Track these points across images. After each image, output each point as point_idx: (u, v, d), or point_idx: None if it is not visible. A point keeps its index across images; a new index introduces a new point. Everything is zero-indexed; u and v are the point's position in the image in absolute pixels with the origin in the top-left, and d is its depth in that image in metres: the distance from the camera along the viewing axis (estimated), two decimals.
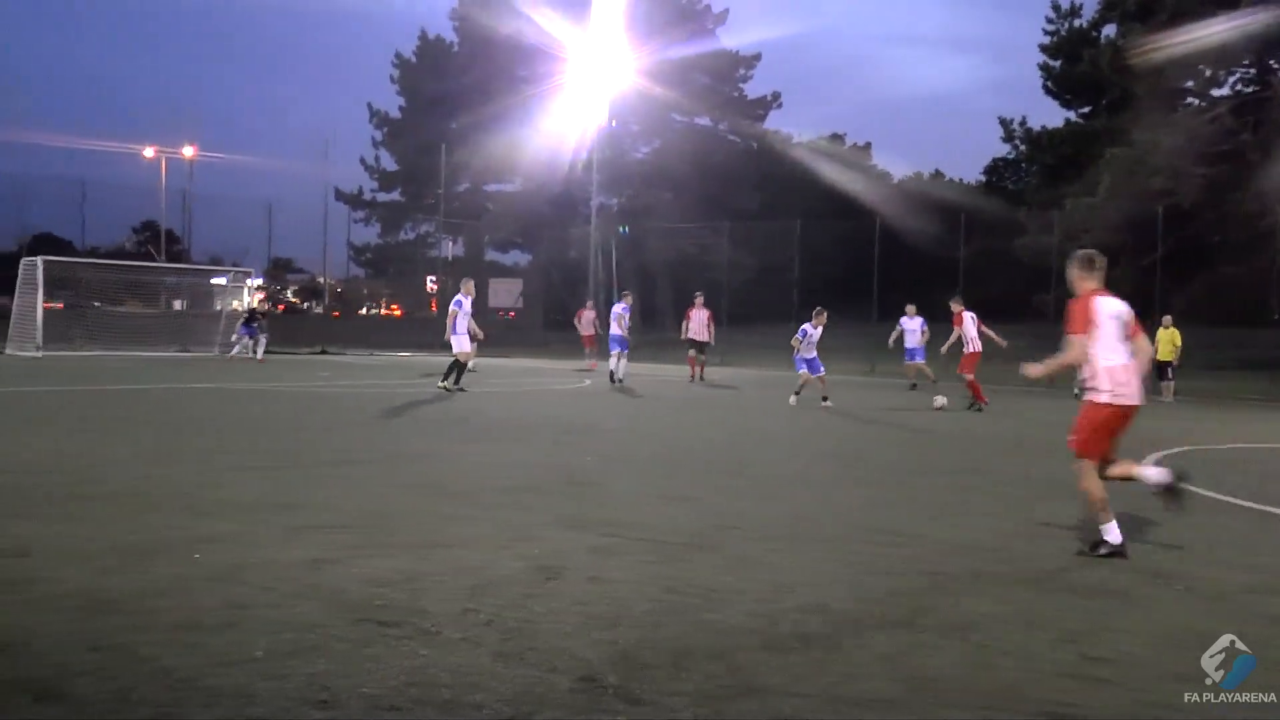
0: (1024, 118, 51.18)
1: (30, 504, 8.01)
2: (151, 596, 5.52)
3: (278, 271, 63.57)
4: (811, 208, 50.94)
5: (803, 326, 20.81)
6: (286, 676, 4.40)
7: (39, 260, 33.82)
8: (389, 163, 66.34)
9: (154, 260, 49.69)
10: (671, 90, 52.98)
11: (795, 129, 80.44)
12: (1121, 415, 7.40)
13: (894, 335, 24.78)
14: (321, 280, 58.71)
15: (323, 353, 38.83)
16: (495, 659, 4.69)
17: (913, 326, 24.49)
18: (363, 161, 66.57)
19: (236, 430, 13.44)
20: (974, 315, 21.23)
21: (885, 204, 49.65)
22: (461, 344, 21.27)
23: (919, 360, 24.49)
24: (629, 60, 47.37)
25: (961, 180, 74.10)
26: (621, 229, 55.57)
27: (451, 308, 21.74)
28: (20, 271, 34.30)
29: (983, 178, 70.28)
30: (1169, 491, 7.36)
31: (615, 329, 26.09)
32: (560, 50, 47.89)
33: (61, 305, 36.55)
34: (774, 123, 66.90)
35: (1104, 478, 7.41)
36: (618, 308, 26.76)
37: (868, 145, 76.99)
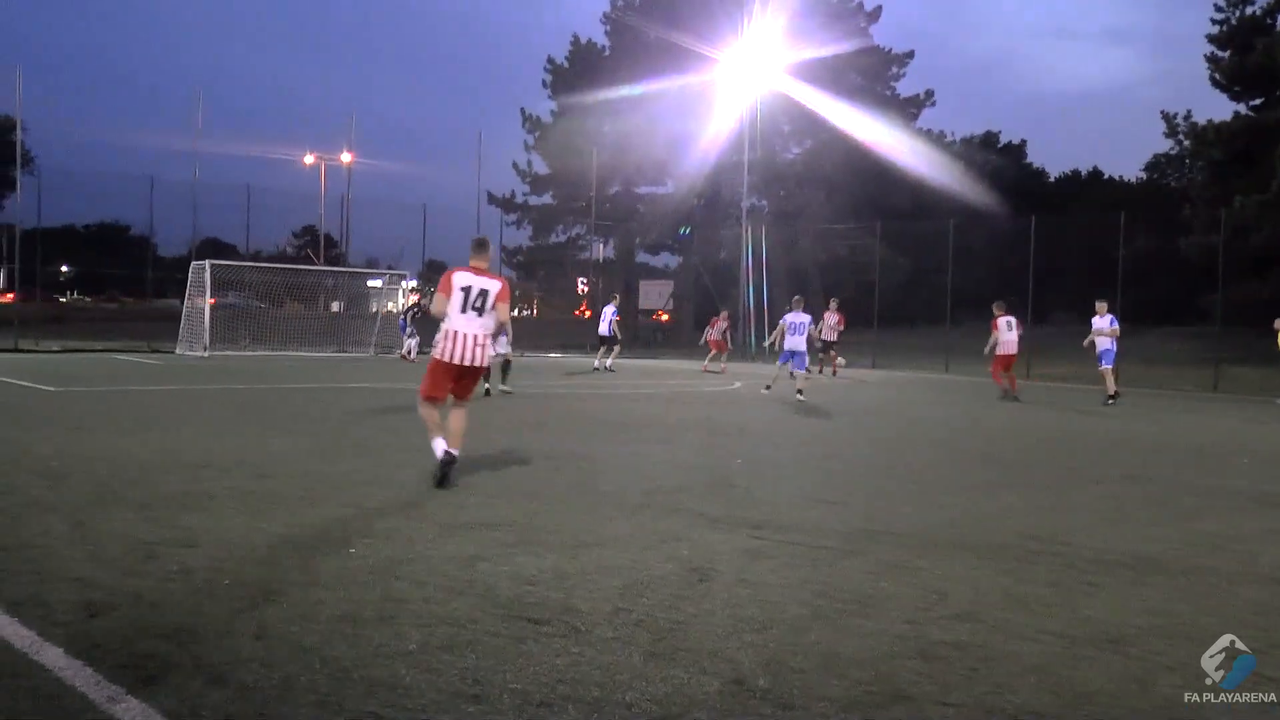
0: (1189, 111, 49.35)
1: (196, 497, 8.35)
2: (313, 588, 5.70)
3: (432, 274, 64.91)
4: (965, 208, 50.03)
5: (785, 316, 21.63)
6: (440, 670, 4.50)
7: (207, 264, 35.11)
8: (540, 166, 67.06)
9: (313, 263, 51.17)
10: (823, 89, 52.52)
11: (949, 127, 79.20)
12: None
13: (1087, 339, 22.73)
14: None
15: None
16: (646, 659, 4.73)
17: (1102, 325, 22.42)
18: (515, 165, 67.49)
19: (387, 431, 13.73)
20: (1011, 320, 22.93)
21: (1041, 202, 48.44)
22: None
23: (1109, 365, 22.57)
24: (780, 60, 47.11)
25: (1121, 178, 71.98)
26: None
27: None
28: (190, 274, 35.68)
29: (1143, 175, 68.14)
30: None
31: (604, 328, 29.48)
32: (712, 51, 47.88)
33: (214, 300, 37.92)
34: (926, 121, 65.95)
35: None
36: (609, 309, 30.17)
37: (1022, 143, 75.27)
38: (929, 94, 63.97)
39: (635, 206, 62.46)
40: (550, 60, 66.89)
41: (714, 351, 33.44)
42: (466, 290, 9.52)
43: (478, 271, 9.69)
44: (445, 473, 9.23)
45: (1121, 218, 35.42)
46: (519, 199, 66.79)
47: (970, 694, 4.47)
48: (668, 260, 70.48)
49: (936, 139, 63.33)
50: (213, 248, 47.21)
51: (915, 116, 63.83)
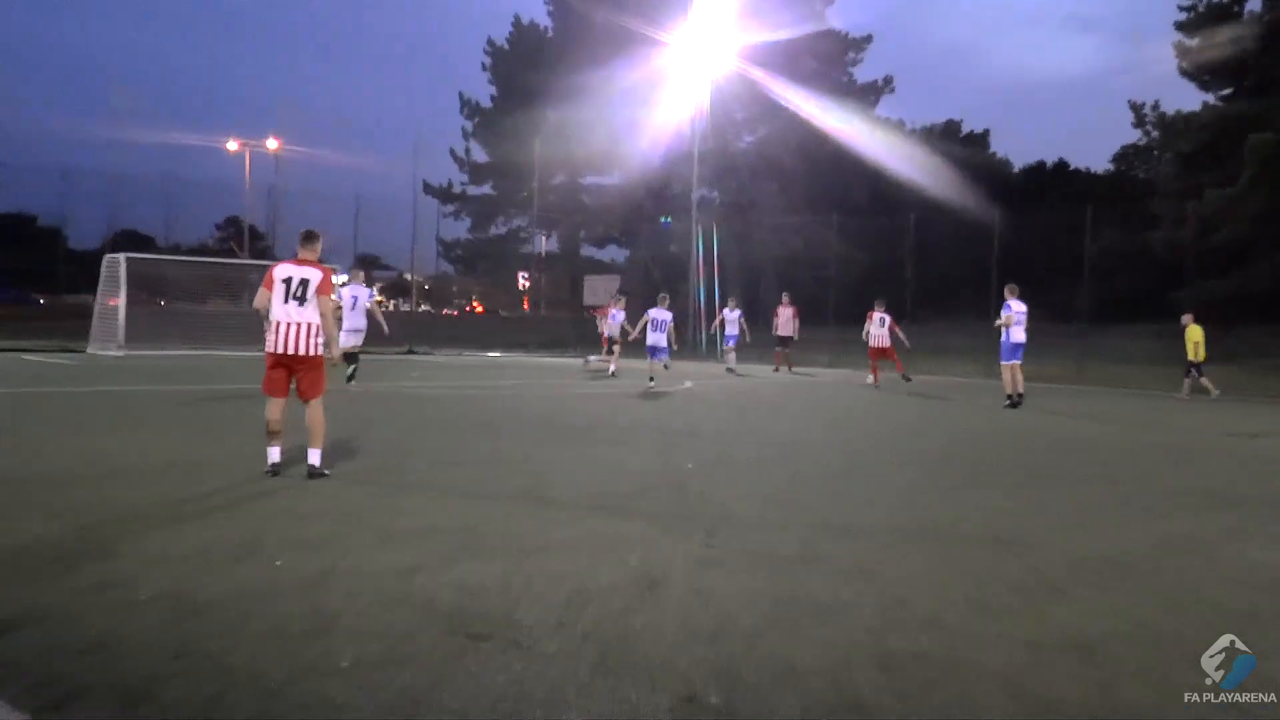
0: (1156, 102, 50.15)
1: (112, 505, 8.24)
2: (239, 602, 5.66)
3: (364, 268, 64.62)
4: (926, 200, 50.43)
5: (649, 311, 24.20)
6: (374, 688, 4.48)
7: (121, 257, 34.65)
8: (480, 155, 66.95)
9: (237, 256, 50.72)
10: (778, 75, 52.77)
11: (908, 116, 79.76)
12: None
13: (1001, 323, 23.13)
14: (409, 277, 59.44)
15: (410, 352, 39.33)
16: (593, 674, 4.73)
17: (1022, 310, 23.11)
18: (453, 153, 67.30)
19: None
20: (885, 317, 26.81)
21: (1005, 196, 48.91)
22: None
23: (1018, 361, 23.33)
24: (732, 44, 47.24)
25: (1088, 170, 72.81)
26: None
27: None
28: (103, 268, 35.18)
29: (1111, 166, 68.96)
30: None
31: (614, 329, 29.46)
32: (661, 34, 47.94)
33: (150, 303, 37.43)
34: (885, 109, 66.42)
35: None
36: (618, 311, 30.55)
37: (985, 133, 76.01)
38: (888, 81, 64.56)
39: (580, 198, 62.51)
40: (490, 42, 66.80)
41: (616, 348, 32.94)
42: (287, 281, 10.06)
43: (301, 263, 10.22)
44: (276, 473, 9.82)
45: (1089, 211, 35.86)
46: (458, 189, 66.58)
47: (932, 705, 4.51)
48: (614, 254, 70.53)
49: (896, 128, 63.86)
50: (130, 240, 46.66)
51: (874, 104, 64.36)
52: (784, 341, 32.59)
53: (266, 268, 10.75)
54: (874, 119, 63.12)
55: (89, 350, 33.26)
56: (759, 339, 34.65)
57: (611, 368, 28.55)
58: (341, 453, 10.92)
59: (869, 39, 63.48)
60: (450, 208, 65.68)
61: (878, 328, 26.89)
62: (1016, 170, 72.54)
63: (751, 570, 6.72)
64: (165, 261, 38.75)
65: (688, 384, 25.71)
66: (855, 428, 16.96)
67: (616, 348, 29.43)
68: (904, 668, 4.95)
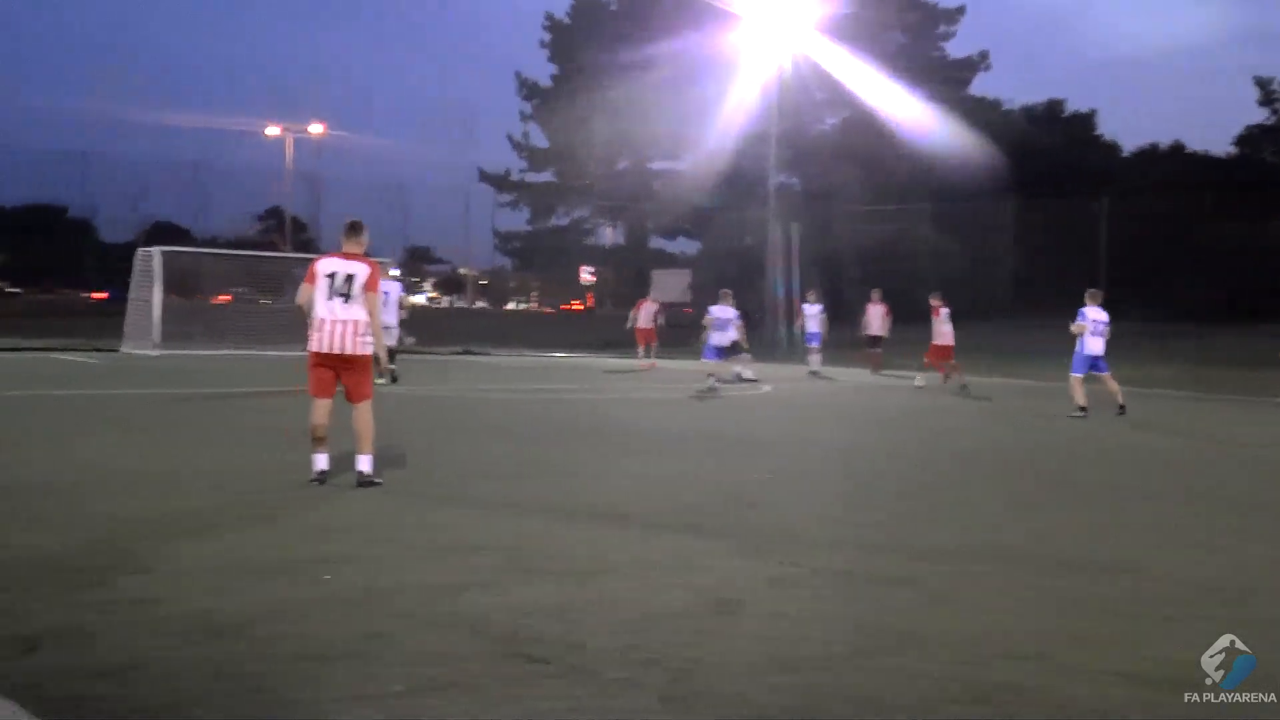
0: None
1: (144, 516, 8.36)
2: (277, 621, 5.71)
3: (415, 262, 64.93)
4: (1025, 187, 49.90)
5: (711, 309, 24.11)
6: (423, 715, 4.50)
7: (156, 251, 35.03)
8: (539, 139, 67.08)
9: (278, 249, 51.17)
10: (862, 51, 52.42)
11: (1006, 94, 78.99)
12: None
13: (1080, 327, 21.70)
14: (464, 271, 59.69)
15: (466, 353, 39.49)
16: (661, 703, 4.72)
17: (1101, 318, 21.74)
18: (510, 138, 67.52)
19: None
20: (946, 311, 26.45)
21: (1113, 181, 48.32)
22: None
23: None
24: (811, 17, 46.96)
25: (1207, 153, 71.75)
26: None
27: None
28: (136, 263, 35.59)
29: (1233, 149, 67.86)
30: None
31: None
32: (734, 6, 47.78)
33: (186, 299, 37.91)
34: (981, 87, 65.85)
35: None
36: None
37: (1091, 113, 75.12)
38: (983, 56, 64.01)
39: (648, 185, 62.36)
40: (549, 17, 66.87)
41: (643, 344, 32.77)
42: (331, 276, 10.06)
43: (346, 256, 10.23)
44: (322, 481, 9.95)
45: (1207, 198, 35.32)
46: (515, 176, 66.66)
47: None
48: (685, 246, 70.35)
49: (992, 107, 63.23)
50: (163, 232, 47.23)
51: (967, 82, 63.81)
52: (874, 341, 32.12)
53: (309, 261, 10.81)
54: (967, 98, 62.62)
55: (123, 349, 33.69)
56: (840, 338, 34.41)
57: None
58: (389, 461, 10.98)
59: (961, 10, 63.03)
60: (507, 196, 65.91)
61: (945, 324, 26.58)
62: (1126, 153, 71.54)
63: (831, 593, 6.69)
64: (202, 255, 39.11)
65: (765, 388, 25.63)
66: (944, 441, 16.83)
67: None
68: (999, 701, 4.89)
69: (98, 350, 33.47)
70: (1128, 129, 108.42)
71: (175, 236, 49.05)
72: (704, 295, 58.56)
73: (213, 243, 50.59)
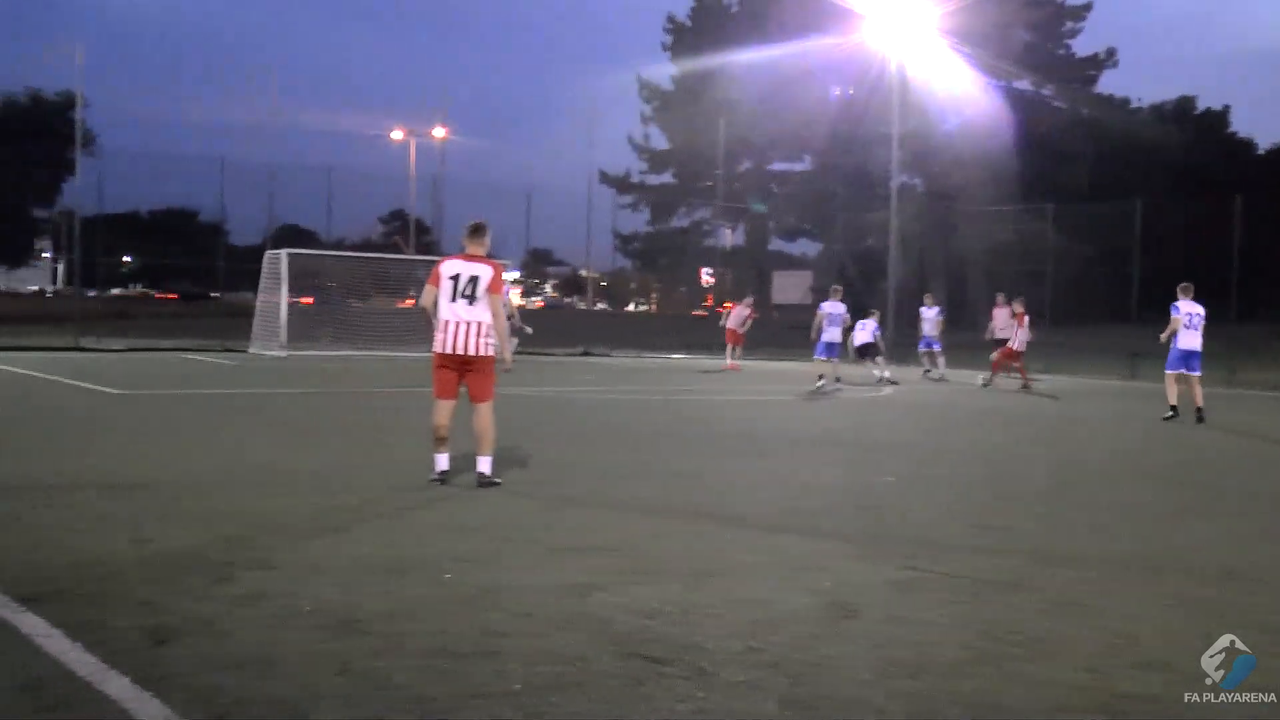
0: None
1: (273, 513, 8.55)
2: (401, 618, 5.79)
3: (536, 264, 65.46)
4: (1155, 186, 48.88)
5: (822, 305, 24.66)
6: (547, 714, 4.53)
7: (283, 253, 35.69)
8: (660, 141, 67.16)
9: (402, 252, 51.82)
10: (984, 50, 51.76)
11: (1134, 92, 77.44)
12: None
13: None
14: (584, 273, 59.96)
15: (585, 354, 39.68)
16: (781, 706, 4.70)
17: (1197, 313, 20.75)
18: (630, 140, 67.69)
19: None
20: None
21: (1247, 181, 47.08)
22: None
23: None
24: (935, 15, 46.46)
25: None
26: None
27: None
28: (264, 265, 36.31)
29: None
30: None
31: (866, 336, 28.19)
32: (855, 5, 47.44)
33: (310, 300, 38.58)
34: (1108, 85, 64.64)
35: None
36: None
37: (1224, 110, 73.40)
38: (1110, 53, 62.74)
39: (768, 186, 62.16)
40: (671, 19, 66.92)
41: (731, 344, 32.69)
42: (455, 278, 10.14)
43: (469, 258, 10.29)
44: (443, 481, 10.07)
45: None
46: (635, 178, 66.80)
47: None
48: (806, 248, 69.97)
49: (1120, 106, 62.03)
50: (291, 235, 48.07)
51: (1094, 80, 62.65)
52: (1001, 345, 31.59)
53: (432, 263, 10.94)
54: (1094, 96, 61.53)
55: (251, 350, 34.39)
56: (962, 340, 33.99)
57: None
58: (508, 461, 11.08)
59: (1088, 7, 61.81)
60: (628, 198, 66.07)
61: (1022, 328, 27.00)
62: (1262, 151, 69.75)
63: (954, 598, 6.60)
64: (327, 257, 39.75)
65: (887, 390, 25.44)
66: (1066, 444, 16.57)
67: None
68: (1125, 712, 4.79)
69: (228, 350, 34.23)
70: (1263, 126, 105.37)
71: (303, 239, 49.97)
72: (824, 298, 58.41)
73: (338, 245, 51.37)
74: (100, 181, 41.27)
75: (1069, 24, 61.65)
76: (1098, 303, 42.09)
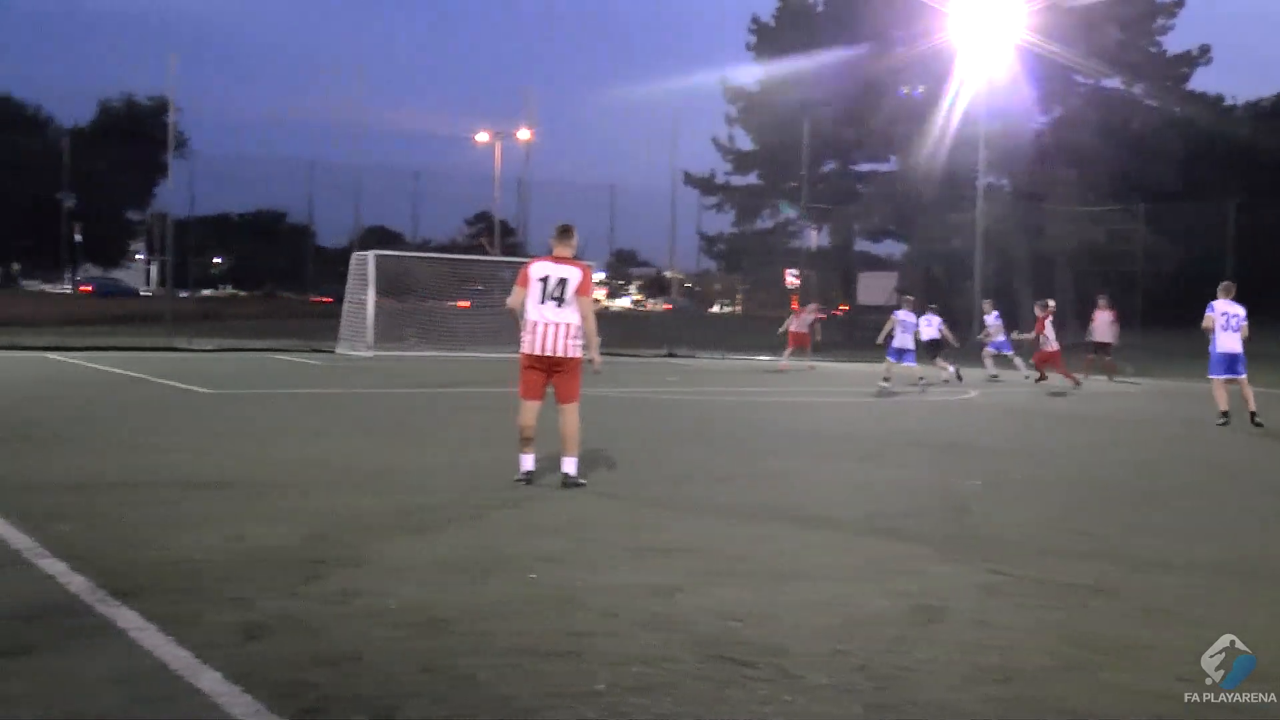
0: None
1: (360, 512, 8.65)
2: (486, 617, 5.83)
3: (620, 265, 65.59)
4: (1250, 186, 48.01)
5: (895, 312, 25.11)
6: (631, 715, 4.54)
7: (370, 255, 36.11)
8: (744, 141, 66.91)
9: (487, 253, 52.15)
10: (1073, 48, 51.10)
11: (1229, 90, 76.10)
12: None
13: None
14: (668, 274, 59.97)
15: (670, 355, 39.71)
16: (868, 710, 4.68)
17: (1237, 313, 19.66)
18: (715, 141, 67.54)
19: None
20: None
21: None
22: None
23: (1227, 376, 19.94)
24: (1022, 13, 45.96)
25: None
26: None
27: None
28: (351, 266, 36.75)
29: None
30: None
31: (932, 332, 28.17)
32: (942, 4, 47.05)
33: (398, 302, 38.97)
34: (1201, 83, 63.58)
35: None
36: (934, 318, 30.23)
37: None
38: (1204, 50, 61.59)
39: (854, 187, 61.80)
40: (755, 20, 66.65)
41: (792, 347, 32.83)
42: (544, 280, 10.15)
43: (558, 260, 10.31)
44: (528, 481, 10.13)
45: None
46: (720, 179, 66.65)
47: None
48: (891, 249, 69.50)
49: (1213, 104, 60.97)
50: (377, 237, 48.54)
51: (1187, 77, 61.59)
52: (1101, 348, 31.57)
53: (516, 264, 11.00)
54: (1186, 94, 60.51)
55: (338, 350, 34.81)
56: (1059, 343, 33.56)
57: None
58: (593, 462, 11.11)
59: (1180, 3, 60.68)
60: (712, 200, 65.87)
61: (1051, 331, 27.38)
62: None
63: (1041, 602, 6.53)
64: (413, 259, 40.12)
65: (971, 393, 25.22)
66: (1153, 447, 16.37)
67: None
68: None
69: (315, 351, 34.68)
70: None
71: (389, 241, 50.42)
72: (908, 299, 57.95)
73: (424, 247, 51.82)
74: (192, 184, 41.92)
75: (1160, 20, 60.60)
76: (1190, 304, 41.41)
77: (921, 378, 25.23)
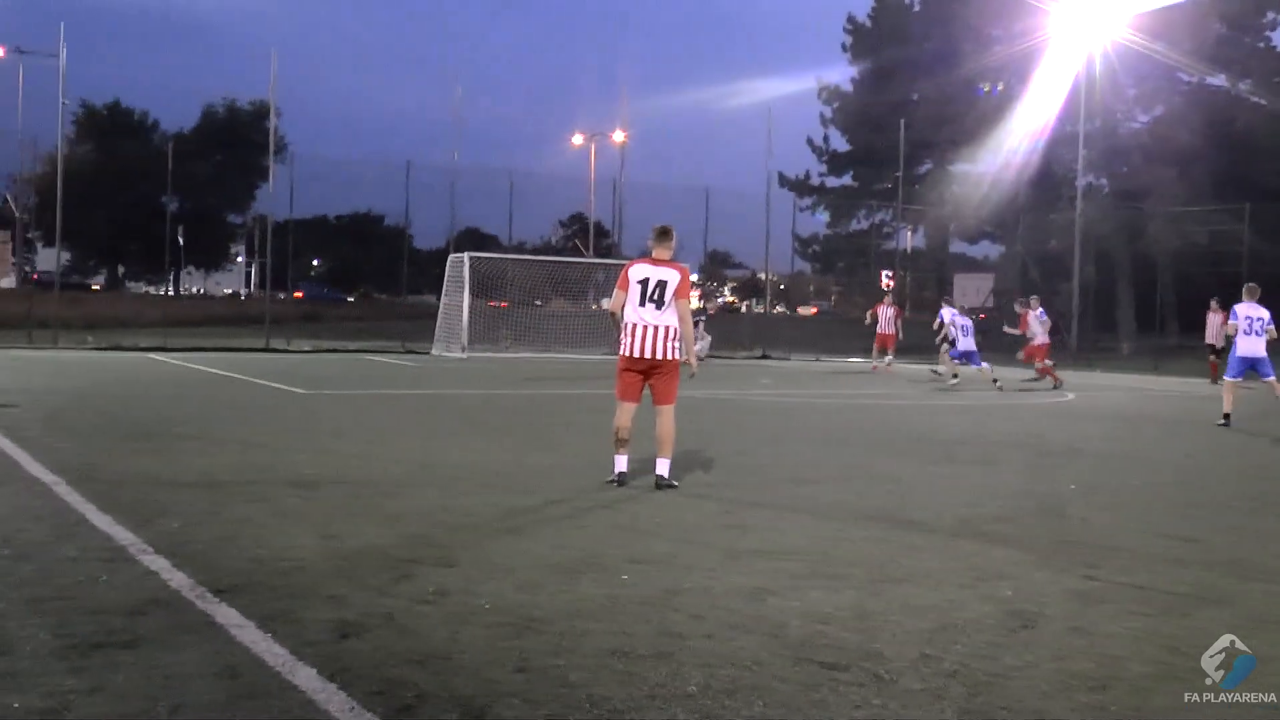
0: None
1: (453, 512, 8.73)
2: (579, 618, 5.86)
3: (714, 267, 65.54)
4: None
5: (944, 311, 27.47)
6: (722, 717, 4.54)
7: (465, 257, 36.43)
8: (839, 143, 66.66)
9: (581, 255, 52.38)
10: (1176, 45, 50.23)
11: None
12: None
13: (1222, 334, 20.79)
14: (762, 276, 59.86)
15: (763, 357, 39.65)
16: (960, 716, 4.65)
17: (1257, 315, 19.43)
18: (809, 142, 67.32)
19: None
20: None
21: None
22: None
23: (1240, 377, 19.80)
24: (1122, 9, 45.22)
25: None
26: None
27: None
28: (447, 268, 37.11)
29: None
30: None
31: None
32: (1041, 4, 46.47)
33: (505, 304, 39.37)
34: None
35: None
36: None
37: None
38: None
39: (949, 187, 61.28)
40: (851, 19, 66.35)
41: (878, 348, 33.52)
42: (644, 283, 10.17)
43: (656, 262, 10.33)
44: (621, 483, 10.16)
45: None
46: (814, 180, 66.48)
47: None
48: (988, 250, 68.87)
49: None
50: (473, 239, 48.91)
51: None
52: (1215, 351, 31.18)
53: (611, 266, 11.05)
54: None
55: (433, 352, 35.16)
56: (1149, 345, 33.12)
57: (876, 364, 29.09)
58: (686, 465, 11.13)
59: None
60: (806, 201, 65.68)
61: (1038, 325, 28.38)
62: None
63: (1140, 609, 6.43)
64: (508, 261, 40.43)
65: (1069, 396, 24.91)
66: (1256, 453, 16.01)
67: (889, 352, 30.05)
68: None
69: (410, 352, 35.05)
70: None
71: (484, 243, 50.78)
72: (1007, 299, 57.34)
73: (519, 249, 52.14)
74: (291, 187, 42.45)
75: (1271, 15, 59.38)
76: None
77: (995, 379, 25.91)
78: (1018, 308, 29.17)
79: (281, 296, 49.19)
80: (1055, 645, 5.68)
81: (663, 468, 10.14)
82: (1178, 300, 49.32)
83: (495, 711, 4.51)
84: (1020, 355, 29.58)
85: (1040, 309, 30.20)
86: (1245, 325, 17.91)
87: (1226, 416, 18.18)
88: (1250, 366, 18.11)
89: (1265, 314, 17.96)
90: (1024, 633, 5.89)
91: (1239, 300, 20.00)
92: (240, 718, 4.39)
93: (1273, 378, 18.23)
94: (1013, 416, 19.88)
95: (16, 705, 4.40)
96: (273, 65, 38.32)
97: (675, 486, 10.03)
